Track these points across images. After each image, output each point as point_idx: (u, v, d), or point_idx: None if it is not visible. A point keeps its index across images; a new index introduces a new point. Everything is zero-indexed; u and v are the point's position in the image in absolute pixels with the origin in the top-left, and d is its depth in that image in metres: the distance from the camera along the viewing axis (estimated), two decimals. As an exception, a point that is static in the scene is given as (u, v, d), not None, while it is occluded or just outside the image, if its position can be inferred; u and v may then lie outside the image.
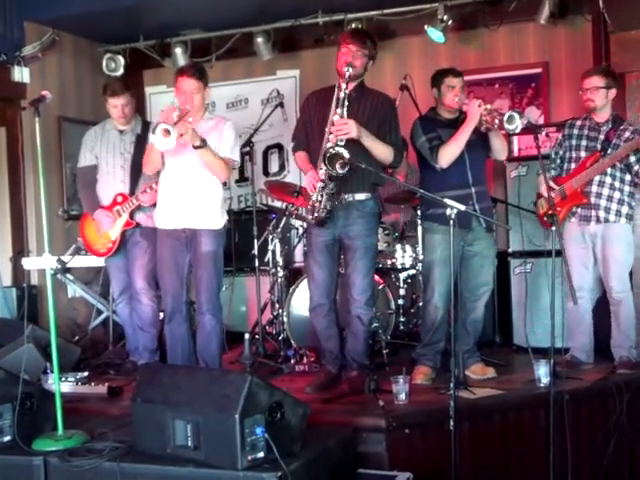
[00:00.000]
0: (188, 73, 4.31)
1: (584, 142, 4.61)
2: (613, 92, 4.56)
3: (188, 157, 4.26)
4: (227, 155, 4.32)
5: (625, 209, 4.53)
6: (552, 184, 4.57)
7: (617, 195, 4.52)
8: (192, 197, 4.32)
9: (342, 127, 3.96)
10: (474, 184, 4.35)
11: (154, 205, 4.60)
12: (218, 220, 4.38)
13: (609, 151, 4.50)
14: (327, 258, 4.23)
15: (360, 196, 4.17)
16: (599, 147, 4.54)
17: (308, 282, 4.38)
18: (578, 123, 4.70)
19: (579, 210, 4.58)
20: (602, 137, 4.55)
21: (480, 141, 4.35)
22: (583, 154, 4.59)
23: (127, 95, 4.90)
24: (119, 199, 4.87)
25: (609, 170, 4.50)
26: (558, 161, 4.74)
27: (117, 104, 4.85)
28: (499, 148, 4.41)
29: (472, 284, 4.41)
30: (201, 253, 4.32)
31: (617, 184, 4.53)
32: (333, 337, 4.32)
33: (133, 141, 4.92)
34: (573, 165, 4.63)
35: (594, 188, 4.54)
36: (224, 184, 4.47)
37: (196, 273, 4.39)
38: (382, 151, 4.14)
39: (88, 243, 5.09)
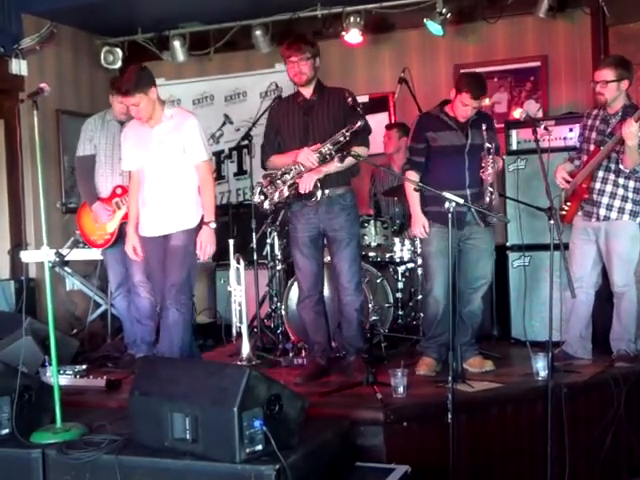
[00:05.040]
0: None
1: (593, 135, 4.53)
2: (626, 83, 4.39)
3: (160, 162, 4.25)
4: (202, 159, 4.30)
5: (629, 206, 4.44)
6: (568, 177, 4.58)
7: (620, 192, 4.43)
8: (166, 204, 4.30)
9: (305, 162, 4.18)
10: (470, 186, 4.35)
11: None
12: (192, 219, 4.32)
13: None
14: (313, 250, 4.39)
15: (340, 190, 4.32)
16: (606, 140, 4.43)
17: (296, 275, 4.51)
18: (594, 113, 4.60)
19: (584, 205, 4.55)
20: (609, 130, 4.44)
21: (483, 147, 4.32)
22: (592, 147, 4.51)
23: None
24: (118, 191, 4.85)
25: (613, 166, 4.43)
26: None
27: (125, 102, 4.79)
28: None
29: (469, 276, 4.41)
30: (170, 247, 4.30)
31: (621, 180, 4.43)
32: (322, 328, 4.45)
33: None
34: (585, 158, 4.56)
35: (597, 185, 4.48)
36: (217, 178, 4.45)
37: (164, 266, 4.33)
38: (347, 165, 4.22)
39: (85, 234, 5.08)
